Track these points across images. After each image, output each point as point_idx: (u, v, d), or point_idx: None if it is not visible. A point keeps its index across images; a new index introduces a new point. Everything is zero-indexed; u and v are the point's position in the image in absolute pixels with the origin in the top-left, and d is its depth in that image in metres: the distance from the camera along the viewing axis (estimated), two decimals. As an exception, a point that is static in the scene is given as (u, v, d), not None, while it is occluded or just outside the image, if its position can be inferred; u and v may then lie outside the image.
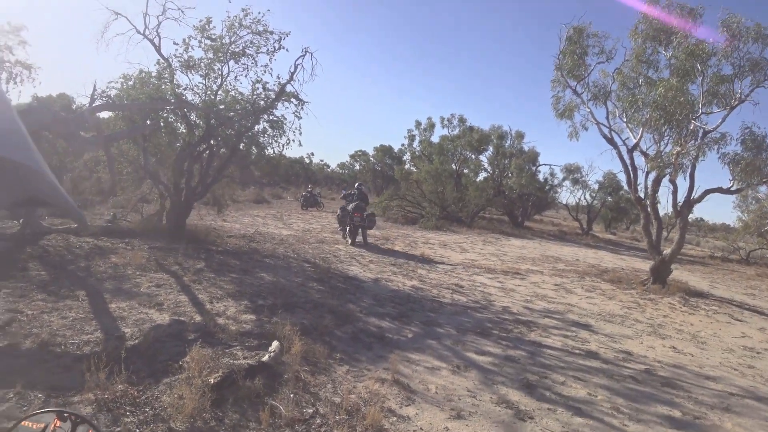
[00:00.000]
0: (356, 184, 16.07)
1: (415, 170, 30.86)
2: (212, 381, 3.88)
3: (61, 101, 16.95)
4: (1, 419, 3.26)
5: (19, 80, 11.82)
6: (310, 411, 3.88)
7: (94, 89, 10.09)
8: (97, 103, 10.06)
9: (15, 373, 3.90)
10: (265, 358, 4.64)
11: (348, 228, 14.55)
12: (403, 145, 37.26)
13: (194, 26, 11.51)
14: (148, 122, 11.03)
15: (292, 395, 4.06)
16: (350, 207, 14.62)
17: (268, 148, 12.29)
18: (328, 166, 53.75)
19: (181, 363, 4.33)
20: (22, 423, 1.01)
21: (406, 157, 36.90)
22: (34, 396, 3.57)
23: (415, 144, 33.65)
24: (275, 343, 5.02)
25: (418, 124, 32.97)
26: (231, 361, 4.52)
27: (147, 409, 3.56)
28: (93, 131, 9.97)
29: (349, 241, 14.35)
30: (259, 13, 11.33)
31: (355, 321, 6.72)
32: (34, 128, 8.73)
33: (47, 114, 8.51)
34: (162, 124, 11.39)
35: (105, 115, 12.07)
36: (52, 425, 1.04)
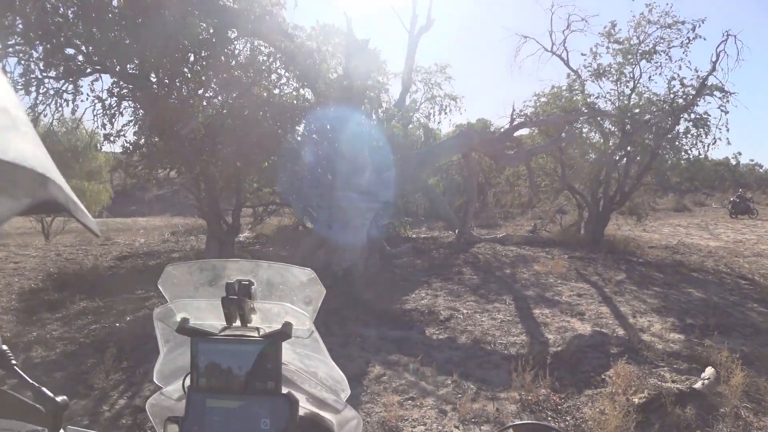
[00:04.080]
0: None
1: None
2: (637, 401, 3.60)
3: (479, 125, 18.92)
4: (440, 401, 3.72)
5: (448, 110, 13.82)
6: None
7: (513, 110, 11.04)
8: (516, 122, 10.90)
9: (452, 363, 4.47)
10: (698, 385, 4.05)
11: None
12: None
13: (600, 33, 11.43)
14: (563, 135, 11.36)
15: (731, 434, 3.40)
16: None
17: (692, 149, 11.17)
18: (760, 167, 44.33)
19: (603, 376, 4.20)
20: None
21: None
22: (467, 386, 3.97)
23: None
24: (709, 370, 4.32)
25: None
26: (658, 382, 4.10)
27: (567, 418, 3.53)
28: (514, 148, 10.85)
29: None
30: (666, 4, 10.36)
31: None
32: (465, 150, 10.02)
33: (475, 137, 9.63)
34: (576, 134, 11.59)
35: (520, 132, 13.08)
36: None
